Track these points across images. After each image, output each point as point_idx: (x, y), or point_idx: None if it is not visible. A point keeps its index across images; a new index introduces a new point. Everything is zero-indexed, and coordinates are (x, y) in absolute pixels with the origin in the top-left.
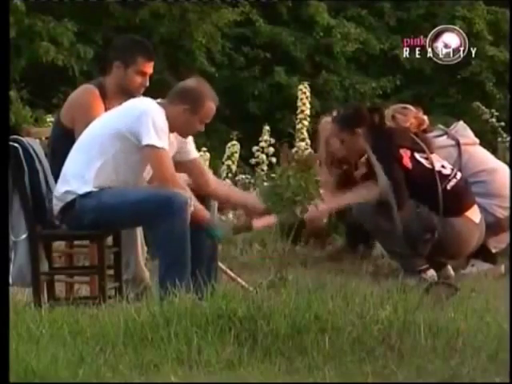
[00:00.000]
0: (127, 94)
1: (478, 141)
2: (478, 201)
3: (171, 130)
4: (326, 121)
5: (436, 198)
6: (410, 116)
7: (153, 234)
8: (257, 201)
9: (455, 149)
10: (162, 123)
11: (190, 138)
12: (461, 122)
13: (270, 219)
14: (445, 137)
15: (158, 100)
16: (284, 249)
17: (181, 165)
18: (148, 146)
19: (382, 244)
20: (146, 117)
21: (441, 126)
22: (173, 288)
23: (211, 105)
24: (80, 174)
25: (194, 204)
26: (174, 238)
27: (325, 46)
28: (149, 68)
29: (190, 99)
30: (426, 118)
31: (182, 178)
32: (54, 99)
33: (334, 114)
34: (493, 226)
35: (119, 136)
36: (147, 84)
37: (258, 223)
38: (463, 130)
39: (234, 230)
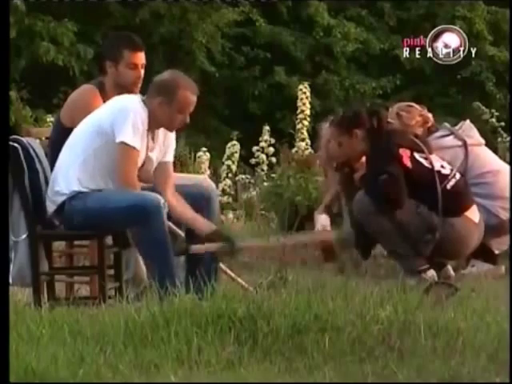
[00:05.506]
0: (125, 90)
1: (483, 141)
2: (482, 202)
3: (156, 125)
4: (326, 126)
5: (435, 198)
6: (415, 114)
7: (135, 238)
8: (204, 225)
9: (462, 149)
10: (139, 123)
11: (173, 142)
12: (467, 122)
13: (210, 247)
14: (451, 137)
15: (143, 97)
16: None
17: None
18: (121, 143)
19: (382, 244)
20: (126, 113)
21: (447, 125)
22: (167, 288)
23: (186, 94)
24: (65, 173)
25: None
26: (153, 241)
27: (325, 46)
28: (138, 59)
29: (164, 91)
30: (430, 115)
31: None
32: (54, 99)
33: (332, 117)
34: (496, 228)
35: (100, 132)
36: (141, 75)
37: (196, 248)
38: (469, 130)
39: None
